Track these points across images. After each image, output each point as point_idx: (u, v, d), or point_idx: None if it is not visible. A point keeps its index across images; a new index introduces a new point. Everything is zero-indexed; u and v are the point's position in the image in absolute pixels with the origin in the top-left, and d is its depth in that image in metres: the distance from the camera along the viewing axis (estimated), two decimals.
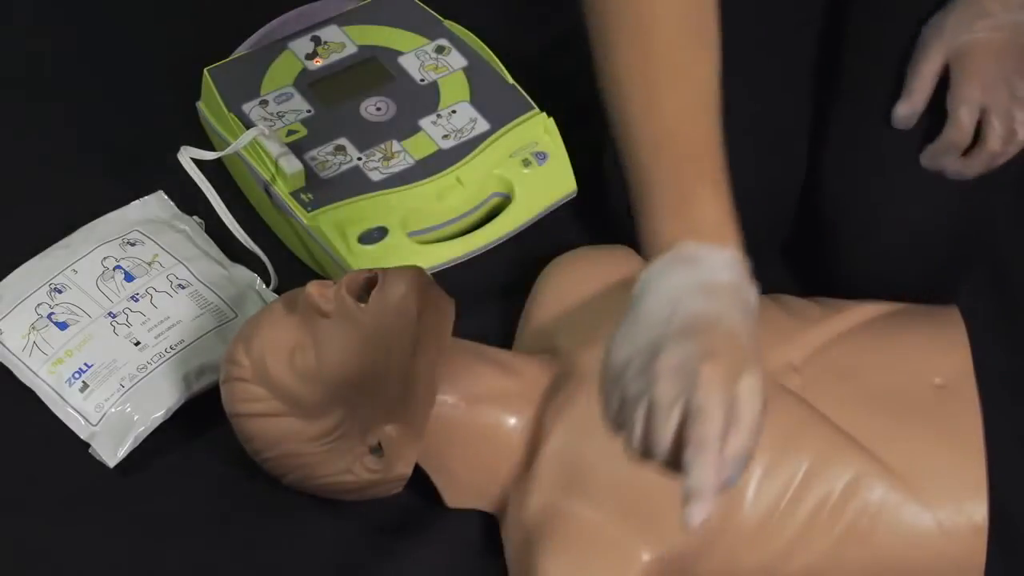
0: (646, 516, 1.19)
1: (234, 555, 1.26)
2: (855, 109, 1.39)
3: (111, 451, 1.28)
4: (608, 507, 1.19)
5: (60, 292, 1.35)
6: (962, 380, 1.23)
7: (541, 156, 1.44)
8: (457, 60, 1.50)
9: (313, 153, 1.42)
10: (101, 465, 1.29)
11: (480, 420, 1.24)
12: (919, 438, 1.20)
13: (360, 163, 1.42)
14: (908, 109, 1.33)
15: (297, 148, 1.42)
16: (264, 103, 1.46)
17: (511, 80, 1.49)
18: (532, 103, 1.47)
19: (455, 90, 1.48)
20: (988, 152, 1.29)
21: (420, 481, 1.25)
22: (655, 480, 1.18)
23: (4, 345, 1.34)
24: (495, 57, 1.51)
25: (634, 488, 1.19)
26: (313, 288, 1.19)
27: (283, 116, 1.45)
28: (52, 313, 1.34)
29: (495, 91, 1.48)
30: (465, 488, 1.26)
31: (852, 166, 1.37)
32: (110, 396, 1.30)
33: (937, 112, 1.32)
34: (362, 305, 1.19)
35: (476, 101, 1.47)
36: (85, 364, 1.31)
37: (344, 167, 1.42)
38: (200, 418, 1.32)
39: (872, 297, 1.31)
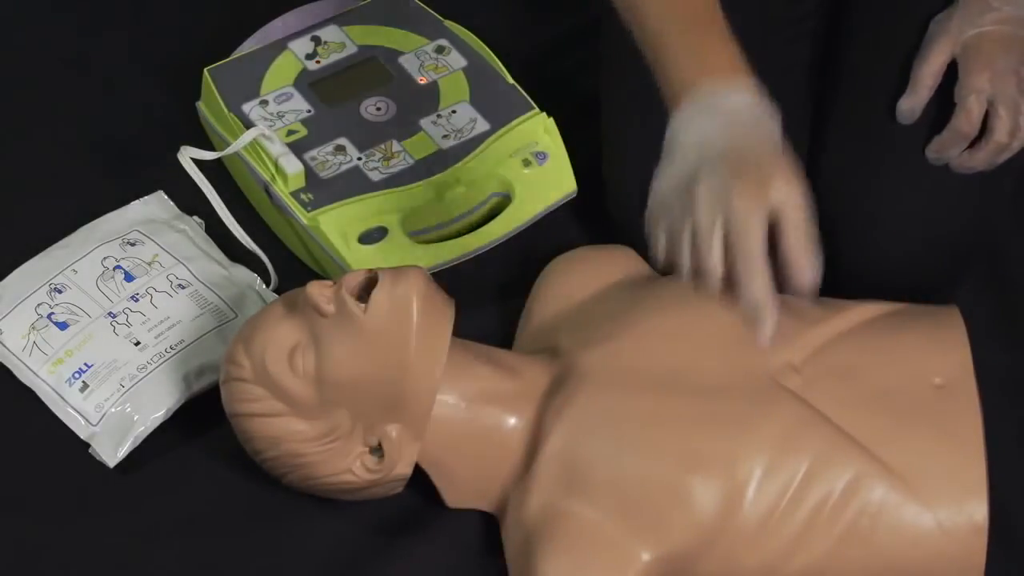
0: (646, 516, 1.19)
1: (234, 555, 1.26)
2: (856, 108, 1.38)
3: (111, 451, 1.28)
4: (608, 507, 1.19)
5: (60, 292, 1.35)
6: (962, 380, 1.23)
7: (541, 156, 1.44)
8: (457, 60, 1.50)
9: (313, 153, 1.42)
10: (101, 465, 1.29)
11: (480, 420, 1.24)
12: (919, 438, 1.20)
13: (360, 163, 1.42)
14: (912, 103, 1.33)
15: (297, 148, 1.42)
16: (264, 103, 1.46)
17: (511, 80, 1.49)
18: (532, 103, 1.47)
19: (455, 90, 1.48)
20: (994, 144, 1.29)
21: (420, 481, 1.25)
22: (655, 480, 1.19)
23: (4, 345, 1.34)
24: (495, 57, 1.51)
25: (634, 488, 1.19)
26: (313, 288, 1.19)
27: (283, 116, 1.45)
28: (52, 313, 1.34)
29: (495, 91, 1.48)
30: (465, 488, 1.26)
31: (853, 165, 1.37)
32: (110, 396, 1.30)
33: (940, 111, 1.32)
34: (362, 305, 1.19)
35: (476, 101, 1.47)
36: (85, 364, 1.31)
37: (344, 167, 1.42)
38: (200, 418, 1.32)
39: (872, 296, 1.31)
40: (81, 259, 1.38)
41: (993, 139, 1.29)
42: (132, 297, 1.35)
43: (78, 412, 1.31)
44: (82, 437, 1.30)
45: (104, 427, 1.29)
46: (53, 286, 1.36)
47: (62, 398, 1.31)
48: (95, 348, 1.32)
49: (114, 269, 1.37)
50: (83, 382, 1.31)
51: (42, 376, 1.32)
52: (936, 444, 1.20)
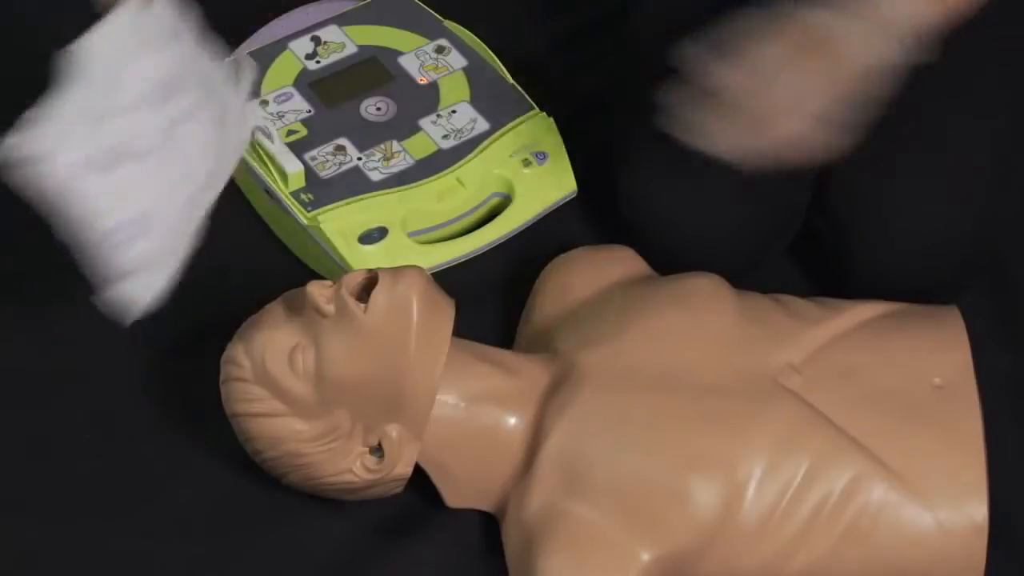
0: (646, 516, 1.19)
1: (234, 555, 1.26)
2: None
3: (135, 299, 1.21)
4: (608, 507, 1.19)
5: (107, 130, 1.26)
6: (962, 380, 1.23)
7: (541, 156, 1.44)
8: (457, 60, 1.50)
9: (313, 153, 1.42)
10: (101, 465, 1.30)
11: (480, 420, 1.24)
12: (919, 438, 1.20)
13: (360, 163, 1.42)
14: (700, 51, 1.24)
15: (297, 148, 1.42)
16: (264, 103, 1.46)
17: (511, 80, 1.49)
18: (532, 103, 1.47)
19: (455, 90, 1.48)
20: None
21: (420, 481, 1.26)
22: (655, 480, 1.19)
23: (46, 176, 1.25)
24: (495, 57, 1.51)
25: (634, 488, 1.19)
26: (313, 288, 1.19)
27: (283, 116, 1.45)
28: (97, 155, 1.25)
29: (495, 91, 1.48)
30: (465, 488, 1.26)
31: (867, 167, 1.37)
32: (139, 244, 1.21)
33: (953, 115, 1.32)
34: (362, 305, 1.19)
35: (476, 101, 1.47)
36: (123, 211, 1.21)
37: (344, 167, 1.42)
38: (200, 418, 1.32)
39: (878, 298, 1.31)
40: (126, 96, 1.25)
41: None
42: (168, 136, 1.24)
43: (105, 257, 1.22)
44: (101, 283, 1.23)
45: (131, 270, 1.21)
46: (100, 121, 1.26)
47: (92, 244, 1.22)
48: (133, 192, 1.21)
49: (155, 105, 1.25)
50: (120, 229, 1.23)
51: (78, 218, 1.23)
52: (936, 444, 1.20)
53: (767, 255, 1.43)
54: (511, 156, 1.44)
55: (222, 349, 1.25)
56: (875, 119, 1.37)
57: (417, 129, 1.45)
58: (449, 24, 1.54)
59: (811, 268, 1.45)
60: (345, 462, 1.22)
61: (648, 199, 1.39)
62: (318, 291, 1.19)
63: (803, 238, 1.45)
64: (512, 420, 1.25)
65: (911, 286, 1.34)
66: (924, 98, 1.35)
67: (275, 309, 1.23)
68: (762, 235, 1.40)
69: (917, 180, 1.34)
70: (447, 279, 1.31)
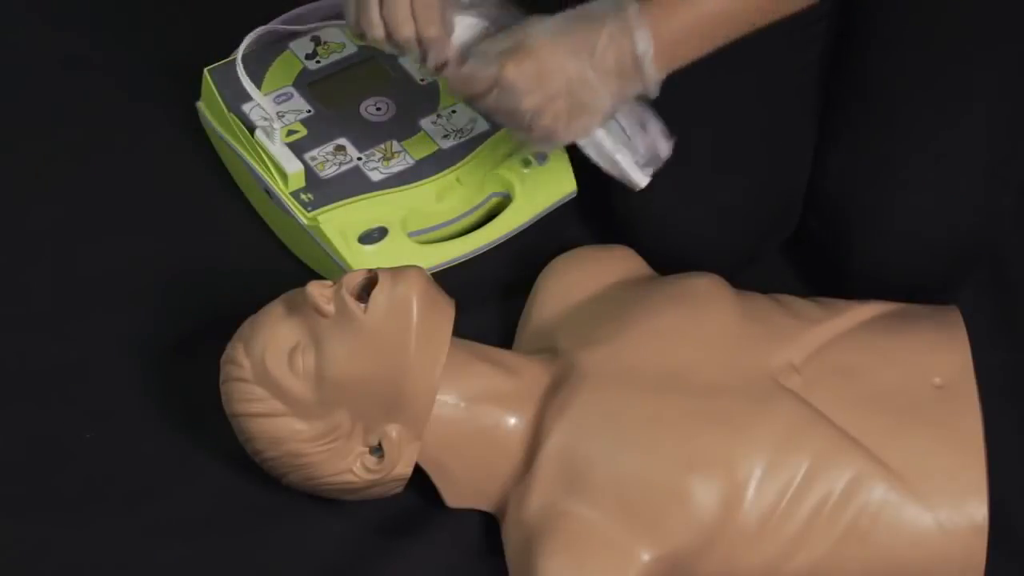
0: (646, 516, 1.19)
1: (234, 555, 1.26)
2: (865, 108, 1.38)
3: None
4: (608, 507, 1.19)
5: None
6: (962, 380, 1.23)
7: (541, 156, 1.44)
8: None
9: (313, 153, 1.42)
10: (101, 465, 1.29)
11: (480, 420, 1.24)
12: (919, 438, 1.20)
13: (360, 163, 1.42)
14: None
15: (297, 148, 1.42)
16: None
17: None
18: None
19: None
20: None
21: (420, 481, 1.26)
22: (655, 479, 1.19)
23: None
24: None
25: (634, 488, 1.19)
26: (313, 288, 1.19)
27: (283, 116, 1.45)
28: None
29: None
30: (465, 488, 1.26)
31: (861, 164, 1.37)
32: None
33: (950, 107, 1.32)
34: (362, 305, 1.19)
35: None
36: None
37: (344, 167, 1.42)
38: (200, 418, 1.32)
39: (876, 296, 1.31)
40: None
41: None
42: None
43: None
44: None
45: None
46: None
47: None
48: None
49: None
50: None
51: None
52: (936, 444, 1.20)
53: (762, 251, 1.43)
54: (511, 156, 1.44)
55: (222, 349, 1.25)
56: (869, 118, 1.38)
57: (417, 129, 1.45)
58: None
59: (807, 268, 1.45)
60: (345, 462, 1.22)
61: (638, 197, 1.39)
62: (318, 291, 1.19)
63: (798, 239, 1.45)
64: (512, 420, 1.25)
65: (906, 284, 1.35)
66: (919, 96, 1.35)
67: (275, 309, 1.23)
68: (756, 231, 1.40)
69: (911, 178, 1.34)
70: (447, 279, 1.31)
